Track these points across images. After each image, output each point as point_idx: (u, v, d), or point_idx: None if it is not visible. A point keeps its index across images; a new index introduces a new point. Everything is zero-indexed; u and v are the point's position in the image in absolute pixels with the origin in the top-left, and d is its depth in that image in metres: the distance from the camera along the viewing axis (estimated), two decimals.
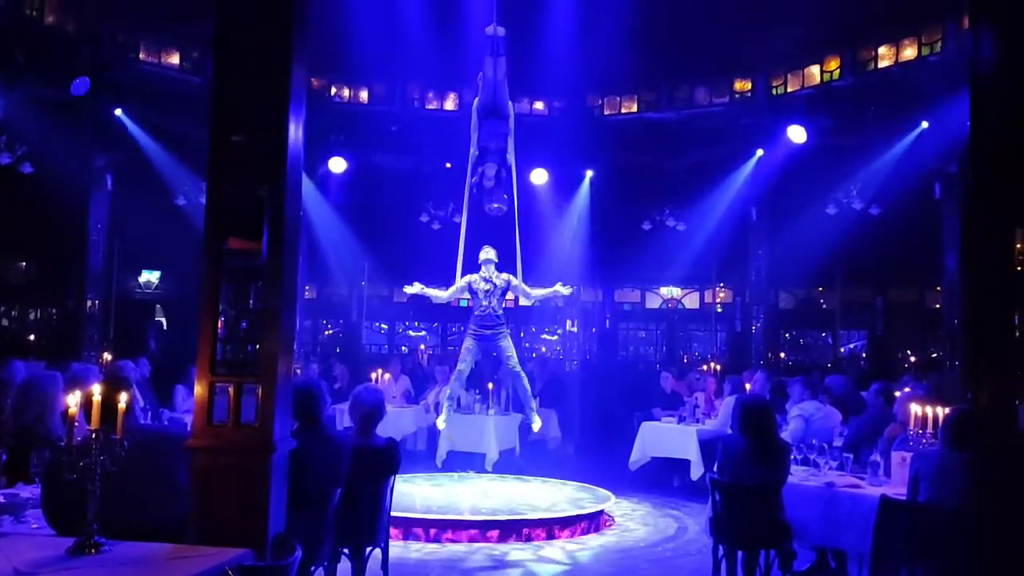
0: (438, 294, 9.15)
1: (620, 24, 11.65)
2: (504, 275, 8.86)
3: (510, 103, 8.65)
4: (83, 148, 11.40)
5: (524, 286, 9.00)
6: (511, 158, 8.61)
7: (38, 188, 11.22)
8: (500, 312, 8.81)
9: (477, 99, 8.72)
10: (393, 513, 5.48)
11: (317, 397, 4.73)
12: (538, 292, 9.16)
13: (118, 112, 11.41)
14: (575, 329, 17.37)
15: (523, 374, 9.14)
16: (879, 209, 12.06)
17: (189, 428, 3.96)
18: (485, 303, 8.78)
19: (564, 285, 8.99)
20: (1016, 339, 4.28)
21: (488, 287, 8.77)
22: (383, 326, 18.48)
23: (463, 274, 8.93)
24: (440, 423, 9.29)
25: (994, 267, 4.42)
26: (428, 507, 7.78)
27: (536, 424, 9.18)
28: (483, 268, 8.86)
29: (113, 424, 3.00)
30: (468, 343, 8.99)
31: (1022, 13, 4.56)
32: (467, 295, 9.10)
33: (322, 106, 13.31)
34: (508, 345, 8.93)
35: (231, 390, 3.73)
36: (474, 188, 8.64)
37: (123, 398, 3.04)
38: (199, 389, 3.78)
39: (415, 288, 9.15)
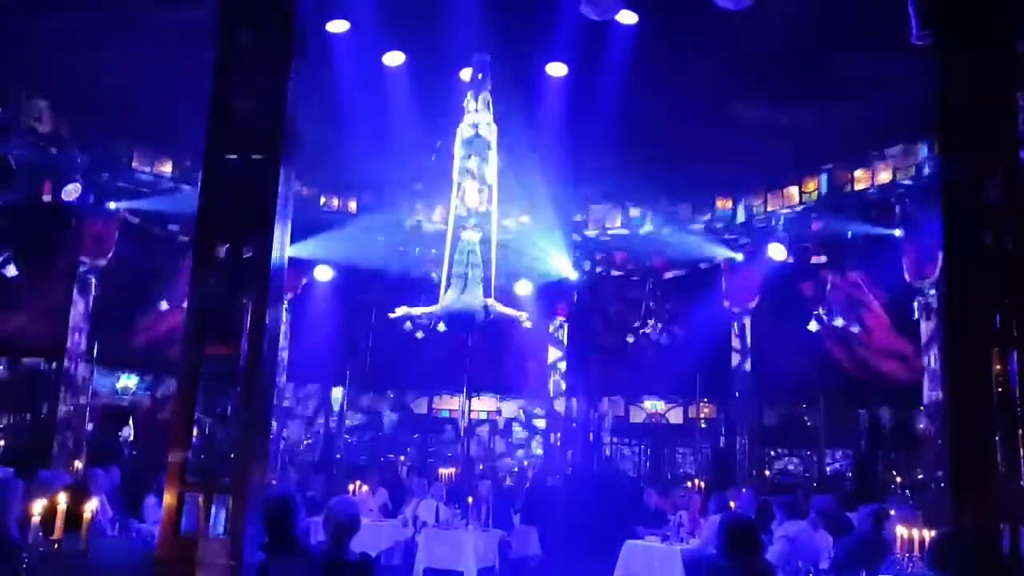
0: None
1: (605, 142, 12.00)
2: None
3: (493, 125, 9.05)
4: (70, 251, 11.43)
5: (497, 304, 9.76)
6: (491, 177, 9.04)
7: (19, 289, 11.22)
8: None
9: (461, 124, 9.15)
10: None
11: (291, 510, 4.60)
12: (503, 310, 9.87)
13: (111, 205, 11.41)
14: (558, 443, 17.16)
15: None
16: (860, 327, 12.21)
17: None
18: None
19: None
20: (998, 461, 4.26)
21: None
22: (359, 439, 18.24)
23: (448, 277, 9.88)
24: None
25: (973, 389, 4.43)
26: None
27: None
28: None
29: (77, 533, 2.91)
30: None
31: (990, 140, 4.73)
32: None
33: (311, 214, 13.49)
34: None
35: (201, 500, 3.62)
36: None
37: (88, 507, 2.95)
38: (168, 498, 3.67)
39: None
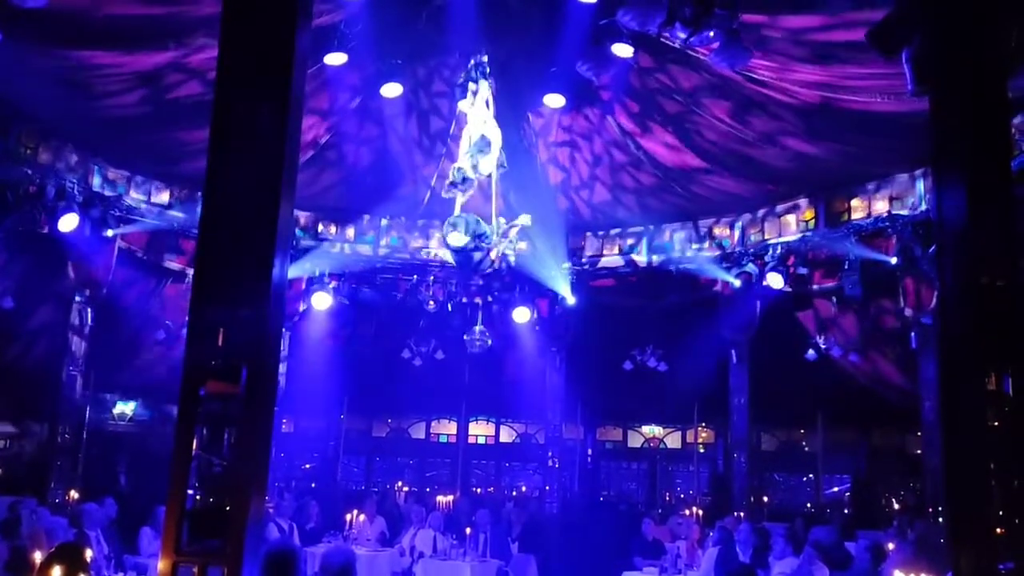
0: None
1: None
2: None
3: (493, 122, 8.88)
4: (65, 282, 11.42)
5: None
6: (487, 168, 8.78)
7: (16, 319, 11.22)
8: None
9: (465, 127, 9.01)
10: None
11: (292, 567, 4.53)
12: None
13: (108, 233, 11.35)
14: (556, 466, 17.11)
15: None
16: (857, 356, 12.23)
17: None
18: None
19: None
20: (994, 499, 4.25)
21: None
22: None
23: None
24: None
25: (968, 419, 4.43)
26: None
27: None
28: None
29: None
30: None
31: (984, 170, 4.76)
32: None
33: (307, 241, 13.52)
34: None
35: (196, 571, 3.56)
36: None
37: None
38: (162, 567, 3.61)
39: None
